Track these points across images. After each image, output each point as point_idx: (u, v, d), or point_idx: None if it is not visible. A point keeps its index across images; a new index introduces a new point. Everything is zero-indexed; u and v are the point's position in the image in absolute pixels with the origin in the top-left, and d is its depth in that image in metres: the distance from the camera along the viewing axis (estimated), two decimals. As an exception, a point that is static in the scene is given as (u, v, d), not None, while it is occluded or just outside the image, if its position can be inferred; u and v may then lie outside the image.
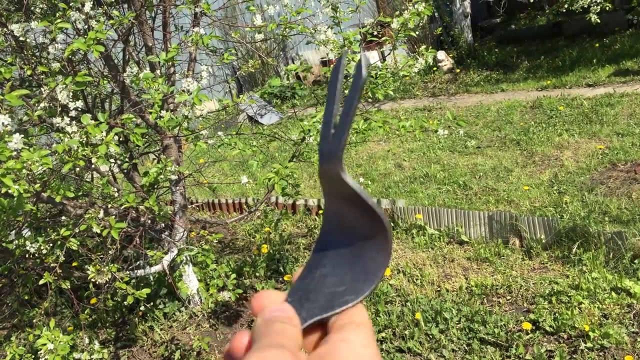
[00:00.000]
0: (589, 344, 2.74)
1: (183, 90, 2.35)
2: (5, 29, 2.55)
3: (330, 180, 0.43)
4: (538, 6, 10.43)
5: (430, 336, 3.04)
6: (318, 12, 2.95)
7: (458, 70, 9.15)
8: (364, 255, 0.45)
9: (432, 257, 3.83)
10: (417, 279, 3.59)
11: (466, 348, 2.90)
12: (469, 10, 9.55)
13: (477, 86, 8.28)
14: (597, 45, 8.49)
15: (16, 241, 2.54)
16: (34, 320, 3.08)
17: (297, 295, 0.44)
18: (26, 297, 3.28)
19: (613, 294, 3.06)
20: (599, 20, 7.15)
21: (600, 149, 5.10)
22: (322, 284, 0.44)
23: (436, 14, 9.70)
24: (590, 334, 2.78)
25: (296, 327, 0.40)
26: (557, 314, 2.99)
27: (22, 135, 1.93)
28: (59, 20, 2.18)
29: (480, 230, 3.91)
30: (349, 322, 0.41)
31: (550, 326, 2.92)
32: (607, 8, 7.23)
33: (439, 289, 3.47)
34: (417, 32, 2.86)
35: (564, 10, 7.68)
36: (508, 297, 3.27)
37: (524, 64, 8.74)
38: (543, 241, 3.62)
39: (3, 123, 1.74)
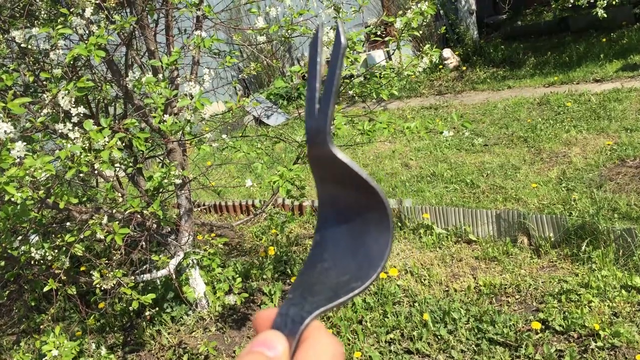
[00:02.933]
0: (600, 343, 2.71)
1: (185, 94, 2.34)
2: (7, 36, 2.56)
3: (321, 160, 0.41)
4: (544, 1, 10.37)
5: (439, 337, 3.01)
6: (321, 13, 2.94)
7: (464, 68, 9.10)
8: (366, 240, 0.43)
9: (439, 256, 3.80)
10: (424, 279, 3.57)
11: (475, 348, 2.88)
12: (474, 7, 9.50)
13: (483, 83, 8.24)
14: (604, 40, 8.43)
15: (22, 247, 2.54)
16: (42, 326, 3.09)
17: (298, 291, 0.42)
18: (33, 304, 3.29)
19: (623, 291, 3.03)
20: (605, 15, 7.10)
21: (608, 144, 5.05)
22: (325, 277, 0.42)
23: (441, 11, 9.66)
24: (601, 332, 2.75)
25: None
26: (566, 313, 2.96)
27: (25, 143, 1.93)
28: (59, 26, 2.18)
29: (488, 229, 3.88)
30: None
31: (560, 325, 2.89)
32: (614, 2, 7.18)
33: (447, 289, 3.45)
34: (421, 31, 2.84)
35: (570, 5, 7.62)
36: (517, 297, 3.24)
37: (531, 60, 8.69)
38: (552, 239, 3.59)
39: (5, 131, 1.73)
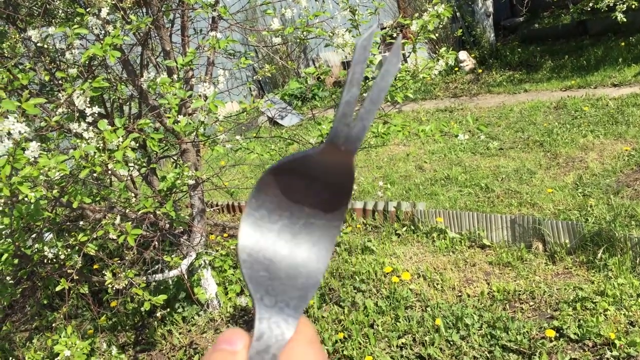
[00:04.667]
0: (615, 353, 2.67)
1: (200, 95, 2.33)
2: (24, 35, 2.57)
3: (329, 165, 0.39)
4: (562, 4, 10.27)
5: (451, 343, 2.98)
6: (336, 14, 2.92)
7: (480, 71, 9.04)
8: (313, 231, 0.42)
9: (453, 261, 3.77)
10: (437, 284, 3.54)
11: (488, 355, 2.85)
12: (491, 9, 9.43)
13: (499, 86, 8.17)
14: (623, 44, 8.33)
15: (36, 245, 2.56)
16: (54, 324, 3.10)
17: (260, 290, 0.40)
18: (45, 302, 3.31)
19: (640, 300, 2.98)
20: (625, 19, 7.01)
21: (626, 150, 4.98)
22: (277, 270, 0.41)
23: (457, 13, 9.60)
24: (616, 342, 2.71)
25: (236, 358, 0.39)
26: (581, 321, 2.91)
27: (40, 142, 1.93)
28: (76, 26, 2.18)
29: (502, 234, 3.84)
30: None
31: (574, 334, 2.85)
32: (634, 6, 7.09)
33: (460, 294, 3.42)
34: (437, 34, 2.82)
35: (589, 9, 7.54)
36: (531, 303, 3.20)
37: (548, 63, 8.60)
38: (567, 245, 3.55)
39: (20, 131, 1.74)
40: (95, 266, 3.83)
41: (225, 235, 4.74)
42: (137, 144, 2.79)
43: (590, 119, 5.99)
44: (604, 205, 4.08)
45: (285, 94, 9.89)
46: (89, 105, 2.24)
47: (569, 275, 3.39)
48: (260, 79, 9.58)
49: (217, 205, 5.53)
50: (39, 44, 2.35)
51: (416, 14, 2.83)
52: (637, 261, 3.24)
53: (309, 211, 0.42)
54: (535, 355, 2.75)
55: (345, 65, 9.93)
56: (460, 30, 6.90)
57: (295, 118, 8.84)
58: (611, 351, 2.68)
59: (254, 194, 0.42)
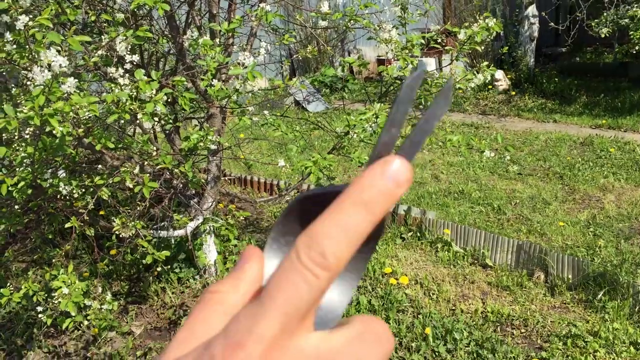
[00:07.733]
0: (597, 395, 2.67)
1: (238, 63, 2.34)
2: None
3: None
4: (608, 43, 10.16)
5: (437, 353, 2.99)
6: (386, 9, 2.91)
7: (513, 93, 8.97)
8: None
9: (452, 274, 3.77)
10: (433, 294, 3.54)
11: (471, 373, 2.85)
12: (536, 34, 9.34)
13: (529, 112, 8.12)
14: (661, 92, 8.24)
15: (51, 180, 2.58)
16: (53, 260, 3.14)
17: None
18: (50, 236, 3.34)
19: (632, 348, 2.97)
20: (668, 68, 6.94)
21: (645, 198, 4.94)
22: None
23: (502, 32, 9.52)
24: (601, 384, 2.71)
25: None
26: (570, 358, 2.91)
27: (76, 80, 1.95)
28: (131, -27, 2.19)
29: (506, 257, 3.83)
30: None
31: (560, 368, 2.84)
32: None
33: (453, 308, 3.42)
34: (481, 47, 2.80)
35: (634, 52, 7.46)
36: (522, 330, 3.20)
37: (582, 98, 8.52)
38: (569, 281, 3.53)
39: (61, 65, 1.75)
40: (102, 212, 3.87)
41: (233, 206, 4.77)
42: (167, 100, 2.80)
43: (615, 161, 5.94)
44: (613, 248, 4.06)
45: (316, 80, 9.87)
46: (129, 52, 2.25)
47: (565, 310, 3.38)
48: (300, 58, 9.57)
49: (230, 174, 5.55)
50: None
51: (466, 24, 2.82)
52: (637, 309, 3.22)
53: None
54: (518, 381, 2.75)
55: (384, 62, 9.88)
56: (506, 48, 6.83)
57: (321, 105, 8.84)
58: (594, 392, 2.68)
59: (282, 220, 0.39)
